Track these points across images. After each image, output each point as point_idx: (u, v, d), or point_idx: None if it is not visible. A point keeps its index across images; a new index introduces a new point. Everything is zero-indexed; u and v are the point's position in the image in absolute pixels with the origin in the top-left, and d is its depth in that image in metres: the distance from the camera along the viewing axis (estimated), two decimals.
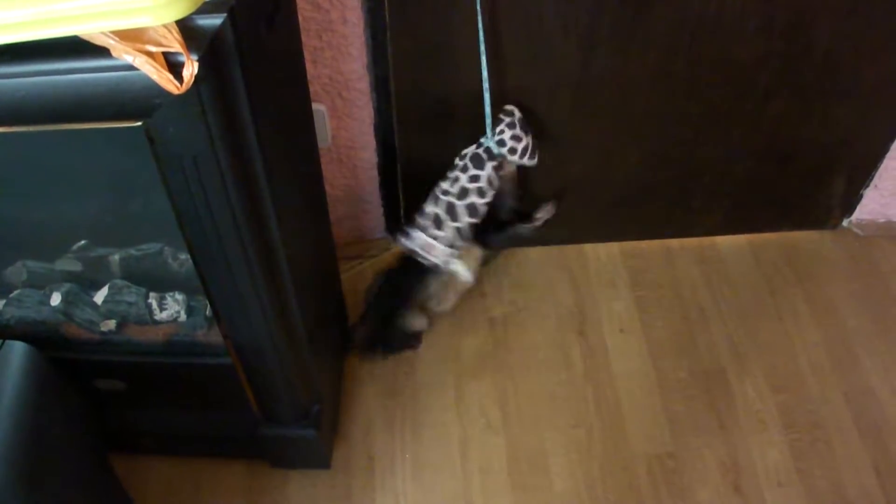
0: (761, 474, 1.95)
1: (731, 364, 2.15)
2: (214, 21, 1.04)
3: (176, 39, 0.98)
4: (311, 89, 1.89)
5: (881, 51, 1.98)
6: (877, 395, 2.09)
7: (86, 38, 0.98)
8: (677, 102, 2.06)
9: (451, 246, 1.95)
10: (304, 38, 1.79)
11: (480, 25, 1.76)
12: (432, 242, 1.94)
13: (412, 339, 2.17)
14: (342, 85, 1.92)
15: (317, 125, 1.87)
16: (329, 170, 2.11)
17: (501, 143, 1.91)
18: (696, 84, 2.02)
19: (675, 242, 2.44)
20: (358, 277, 2.27)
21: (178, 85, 0.99)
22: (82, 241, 1.66)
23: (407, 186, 2.22)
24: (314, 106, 1.91)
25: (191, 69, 0.99)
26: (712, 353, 2.17)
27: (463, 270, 2.04)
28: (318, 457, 1.92)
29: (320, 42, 1.82)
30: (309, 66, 1.85)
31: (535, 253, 2.41)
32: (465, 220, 1.94)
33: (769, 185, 2.32)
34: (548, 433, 2.02)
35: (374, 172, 2.16)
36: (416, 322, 2.13)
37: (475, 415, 2.06)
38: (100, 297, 1.69)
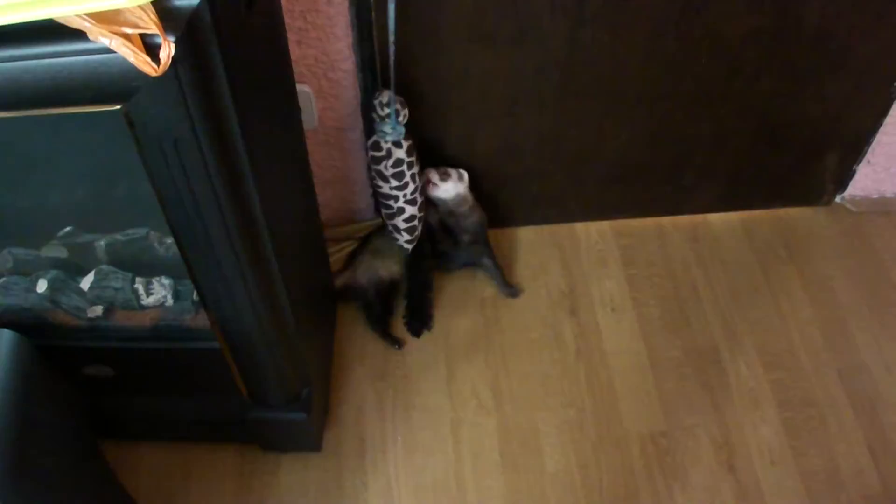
0: (755, 453, 1.96)
1: (723, 342, 2.16)
2: (191, 1, 1.03)
3: (152, 21, 0.98)
4: (297, 70, 1.88)
5: (873, 25, 1.98)
6: (871, 372, 2.10)
7: (61, 21, 0.97)
8: (667, 79, 2.06)
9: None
10: (287, 20, 1.78)
11: None
12: None
13: (387, 335, 2.19)
14: (328, 66, 1.91)
15: (303, 106, 1.86)
16: (316, 151, 2.11)
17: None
18: (686, 61, 2.01)
19: (666, 220, 2.44)
20: (346, 259, 2.27)
21: (156, 67, 0.99)
22: (68, 228, 1.66)
23: None
24: (300, 87, 1.90)
25: (168, 51, 0.99)
26: (705, 332, 2.18)
27: None
28: (308, 440, 1.92)
29: (305, 23, 1.81)
30: (294, 48, 1.85)
31: (525, 232, 2.41)
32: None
33: (761, 162, 2.32)
34: (540, 414, 2.03)
35: (362, 153, 2.15)
36: (357, 276, 2.20)
37: (467, 396, 2.06)
38: (86, 283, 1.69)
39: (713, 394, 2.06)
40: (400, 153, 1.96)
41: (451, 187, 2.14)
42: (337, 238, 2.31)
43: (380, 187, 2.03)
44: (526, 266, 2.33)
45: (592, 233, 2.41)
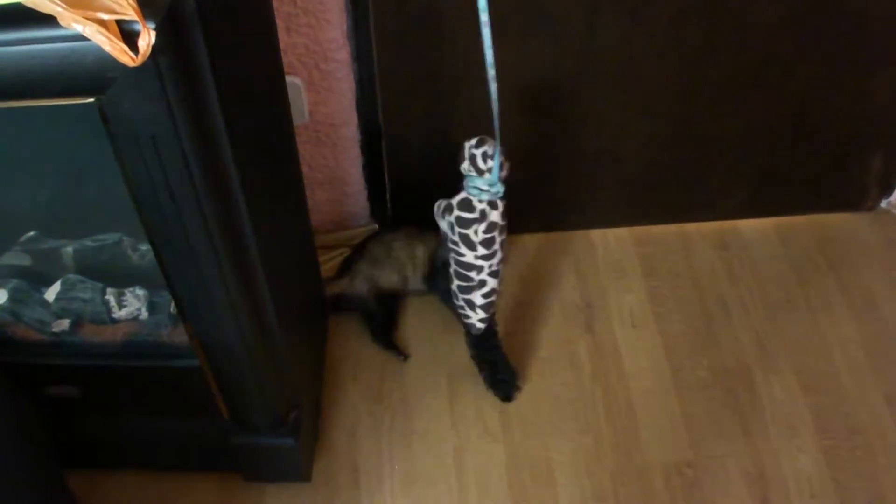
0: (792, 486, 1.96)
1: (756, 362, 2.16)
2: None
3: (130, 6, 0.98)
4: (285, 60, 1.89)
5: None
6: None
7: (30, 5, 0.98)
8: (693, 71, 2.07)
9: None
10: (276, 4, 1.79)
11: None
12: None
13: (387, 344, 2.20)
14: (319, 55, 1.92)
15: (292, 100, 1.87)
16: (306, 149, 2.12)
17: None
18: (713, 50, 2.02)
19: (692, 227, 2.45)
20: (339, 268, 2.27)
21: (134, 57, 0.99)
22: (31, 233, 1.67)
23: (393, 167, 2.23)
24: (289, 79, 1.91)
25: (147, 39, 0.99)
26: (735, 350, 2.19)
27: None
28: (297, 469, 1.92)
29: (294, 7, 1.82)
30: (282, 35, 1.86)
31: (536, 240, 2.42)
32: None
33: (797, 162, 2.33)
34: (552, 440, 2.03)
35: (357, 152, 2.16)
36: (355, 284, 2.21)
37: (471, 420, 2.07)
38: (51, 294, 1.69)
39: (745, 419, 2.06)
40: (495, 216, 1.79)
41: None
42: (329, 245, 2.31)
43: (461, 255, 1.85)
44: (536, 277, 2.33)
45: (610, 240, 2.42)
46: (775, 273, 2.35)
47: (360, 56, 1.94)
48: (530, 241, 2.41)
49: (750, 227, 2.45)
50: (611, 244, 2.41)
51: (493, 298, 1.93)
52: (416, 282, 2.24)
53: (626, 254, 2.39)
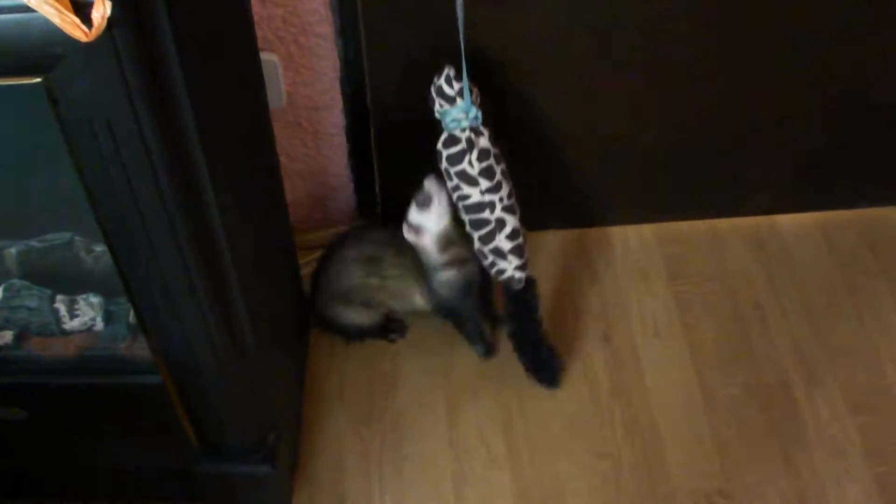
0: None
1: (797, 376, 2.17)
2: None
3: None
4: (259, 34, 1.89)
5: None
6: None
7: None
8: (723, 46, 2.07)
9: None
10: None
11: None
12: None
13: (369, 331, 2.21)
14: (299, 28, 1.92)
15: (267, 80, 1.87)
16: (285, 137, 2.12)
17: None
18: (747, 22, 2.02)
19: (723, 223, 2.45)
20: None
21: (87, 30, 0.99)
22: None
23: (383, 156, 2.24)
24: (263, 56, 1.91)
25: (102, 10, 0.99)
26: (773, 363, 2.19)
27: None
28: (274, 500, 1.92)
29: None
30: (256, 7, 1.86)
31: (547, 238, 2.42)
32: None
33: (842, 149, 2.33)
34: (565, 466, 2.03)
35: (342, 139, 2.16)
36: (349, 315, 2.17)
37: (473, 444, 2.07)
38: None
39: (784, 442, 2.06)
40: (483, 142, 1.88)
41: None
42: (310, 246, 2.31)
43: (467, 197, 1.91)
44: (547, 280, 2.33)
45: (630, 238, 2.43)
46: (819, 275, 2.35)
47: (345, 29, 1.94)
48: (538, 240, 2.41)
49: (790, 223, 2.46)
50: (631, 244, 2.42)
51: (520, 241, 1.97)
52: (411, 302, 2.18)
53: (649, 254, 2.39)
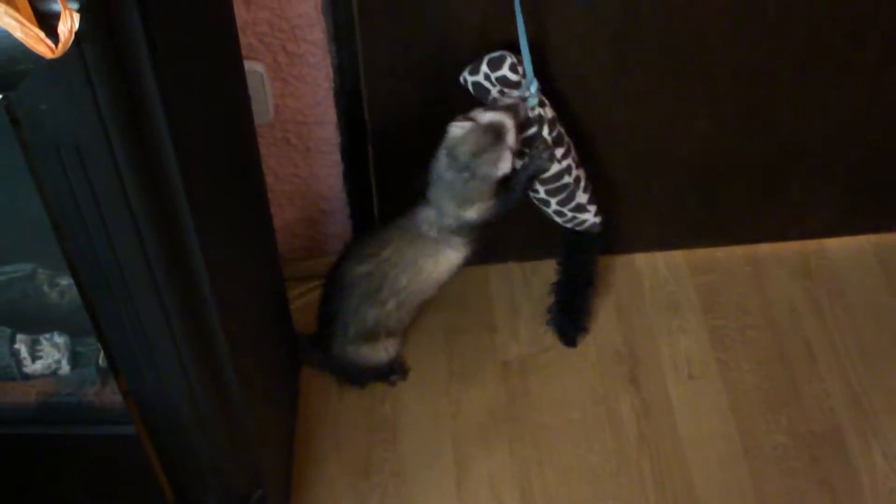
0: None
1: (850, 423, 2.17)
2: None
3: None
4: (244, 41, 1.91)
5: None
6: None
7: None
8: (764, 49, 2.08)
9: None
10: None
11: None
12: None
13: (374, 373, 2.22)
14: (287, 35, 1.93)
15: (252, 92, 1.87)
16: (272, 155, 2.13)
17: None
18: (791, 22, 2.03)
19: (765, 249, 2.46)
20: (315, 306, 2.28)
21: (53, 45, 1.00)
22: None
23: (382, 176, 2.25)
24: (248, 65, 1.92)
25: (69, 23, 1.00)
26: (823, 408, 2.19)
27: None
28: None
29: None
30: (239, 9, 1.86)
31: None
32: None
33: None
34: None
35: (336, 157, 2.17)
36: (366, 353, 2.17)
37: (485, 499, 2.08)
38: None
39: (836, 496, 2.07)
40: (549, 111, 2.02)
41: None
42: (300, 276, 2.32)
43: (548, 172, 2.05)
44: None
45: (660, 267, 2.44)
46: (874, 307, 2.36)
47: (339, 35, 1.95)
48: (556, 269, 2.41)
49: (841, 247, 2.47)
50: (661, 272, 2.43)
51: (589, 186, 2.13)
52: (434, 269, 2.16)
53: (681, 284, 2.40)
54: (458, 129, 1.93)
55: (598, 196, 2.15)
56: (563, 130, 2.02)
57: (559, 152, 2.01)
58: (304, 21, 1.92)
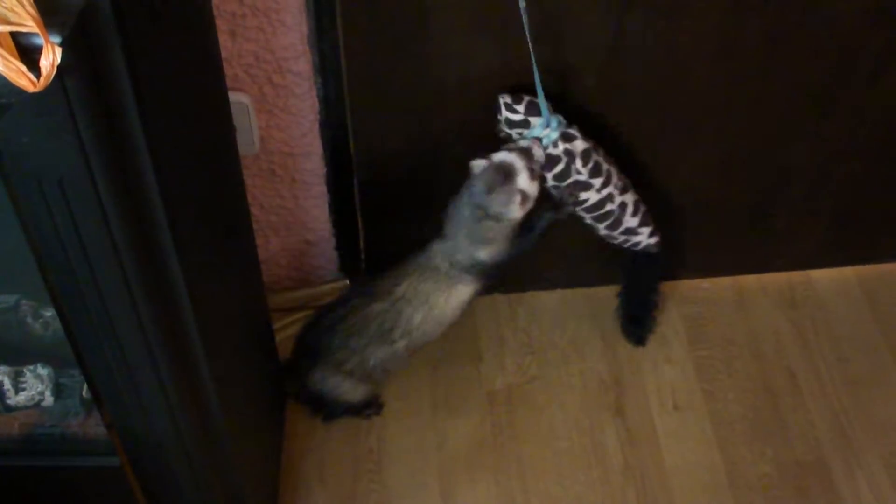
0: None
1: (835, 452, 2.17)
2: None
3: (29, 14, 0.98)
4: (229, 73, 1.91)
5: None
6: None
7: None
8: (749, 82, 2.09)
9: None
10: (216, 1, 1.80)
11: None
12: None
13: (351, 408, 2.21)
14: (273, 66, 1.94)
15: (238, 124, 1.87)
16: (257, 186, 2.13)
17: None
18: (777, 55, 2.04)
19: (751, 280, 2.47)
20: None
21: (35, 79, 1.00)
22: None
23: (368, 207, 2.25)
24: (233, 96, 1.92)
25: (51, 56, 1.00)
26: (808, 438, 2.20)
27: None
28: None
29: (240, 6, 1.84)
30: (225, 41, 1.87)
31: (552, 298, 2.43)
32: None
33: (885, 196, 2.35)
34: None
35: (321, 188, 2.18)
36: (347, 389, 2.16)
37: None
38: None
39: None
40: (580, 143, 1.99)
41: None
42: (286, 308, 2.32)
43: (585, 201, 2.05)
44: (552, 345, 2.35)
45: None
46: (859, 338, 2.36)
47: (325, 66, 1.96)
48: (540, 301, 2.43)
49: (826, 278, 2.47)
50: None
51: (643, 209, 2.13)
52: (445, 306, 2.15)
53: (666, 315, 2.41)
54: (475, 166, 1.95)
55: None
56: (600, 160, 2.00)
57: (597, 182, 2.00)
58: (289, 53, 1.93)
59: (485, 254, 2.00)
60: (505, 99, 1.95)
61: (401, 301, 2.06)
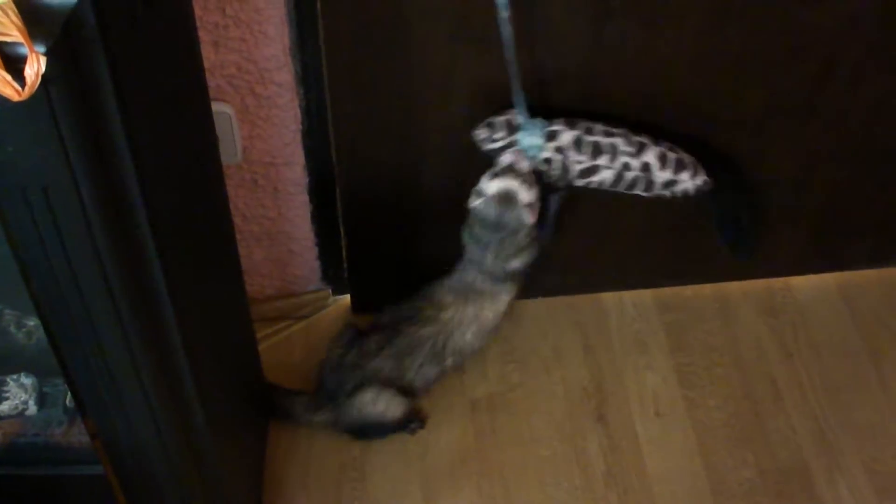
0: None
1: (816, 458, 2.18)
2: None
3: (14, 24, 0.99)
4: (212, 83, 1.91)
5: None
6: None
7: None
8: (729, 90, 2.10)
9: None
10: (199, 12, 1.80)
11: None
12: None
13: (391, 427, 2.21)
14: (255, 77, 1.94)
15: (220, 134, 1.86)
16: (240, 196, 2.14)
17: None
18: (756, 62, 2.05)
19: (732, 287, 2.48)
20: (284, 346, 2.28)
21: (19, 88, 1.00)
22: None
23: (351, 217, 2.25)
24: (216, 107, 1.93)
25: (36, 66, 1.00)
26: (789, 444, 2.21)
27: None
28: None
29: (223, 17, 1.84)
30: (208, 52, 1.87)
31: (533, 307, 2.44)
32: None
33: (864, 202, 2.36)
34: None
35: (304, 198, 2.18)
36: (386, 406, 2.16)
37: None
38: None
39: None
40: (566, 136, 1.99)
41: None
42: (269, 317, 2.32)
43: (603, 182, 2.04)
44: (534, 353, 2.35)
45: (627, 305, 2.45)
46: (839, 344, 2.37)
47: (307, 77, 1.96)
48: (523, 309, 2.43)
49: (806, 285, 2.48)
50: (627, 310, 2.44)
51: (673, 157, 2.04)
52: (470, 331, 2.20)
53: (648, 322, 2.42)
54: (475, 203, 1.99)
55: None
56: (598, 138, 1.99)
57: (604, 160, 1.99)
58: (272, 64, 1.93)
59: (517, 262, 2.06)
60: (480, 135, 1.98)
61: (450, 323, 2.14)
